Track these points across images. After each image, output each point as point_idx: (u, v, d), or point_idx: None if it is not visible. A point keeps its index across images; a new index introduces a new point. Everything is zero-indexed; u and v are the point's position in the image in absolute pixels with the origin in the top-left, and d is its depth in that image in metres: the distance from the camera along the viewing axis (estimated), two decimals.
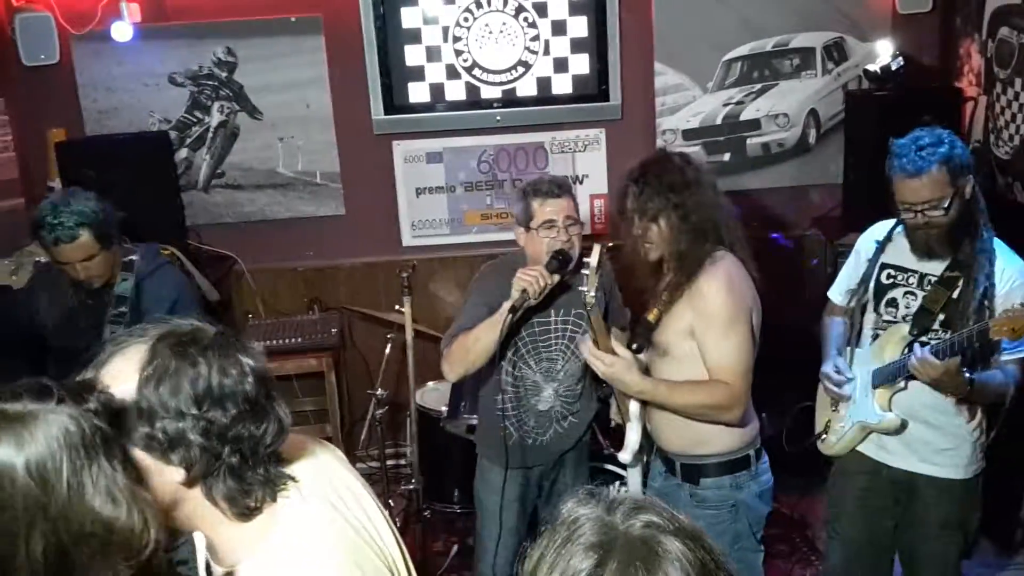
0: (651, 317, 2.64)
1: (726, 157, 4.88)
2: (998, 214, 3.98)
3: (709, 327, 2.56)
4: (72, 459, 1.17)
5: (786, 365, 3.68)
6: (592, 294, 2.50)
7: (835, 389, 2.89)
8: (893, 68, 4.32)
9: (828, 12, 4.74)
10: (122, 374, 1.32)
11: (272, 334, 4.50)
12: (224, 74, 4.69)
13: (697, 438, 2.66)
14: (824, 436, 2.98)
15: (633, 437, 2.77)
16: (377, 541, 1.52)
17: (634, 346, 2.63)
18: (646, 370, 2.67)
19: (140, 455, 1.31)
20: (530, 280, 2.87)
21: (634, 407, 2.75)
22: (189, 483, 1.34)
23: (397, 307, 4.10)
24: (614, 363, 2.55)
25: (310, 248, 4.91)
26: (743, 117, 4.84)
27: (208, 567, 1.50)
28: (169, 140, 4.63)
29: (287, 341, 4.48)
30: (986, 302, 2.57)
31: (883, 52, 4.46)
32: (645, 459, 2.92)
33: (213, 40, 4.65)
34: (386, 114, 4.71)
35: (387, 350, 4.42)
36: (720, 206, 2.67)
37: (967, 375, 2.54)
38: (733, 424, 2.62)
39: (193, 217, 4.76)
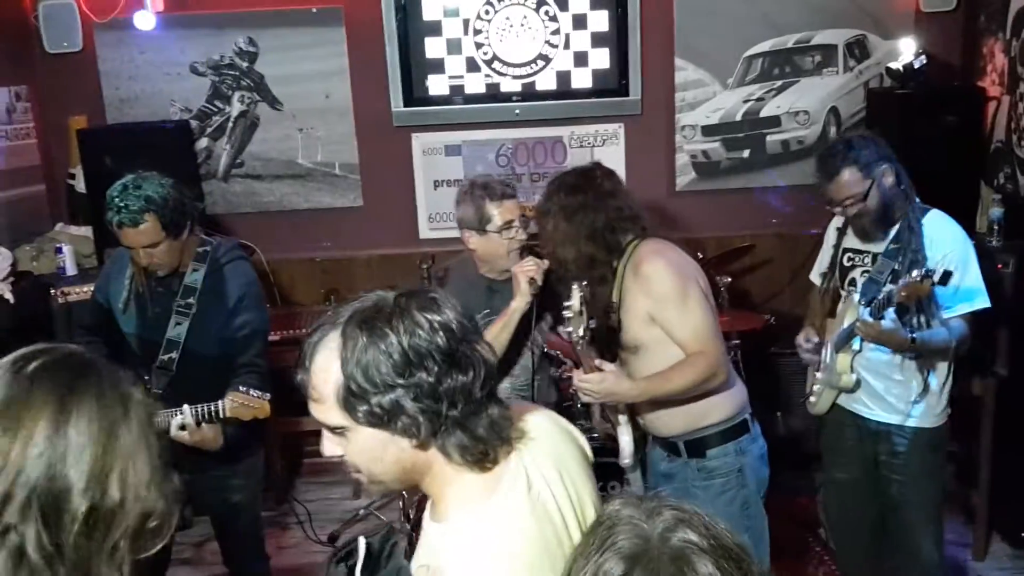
0: (612, 322, 2.73)
1: (745, 154, 4.87)
2: (1022, 214, 3.95)
3: (666, 306, 2.62)
4: (142, 438, 1.27)
5: (799, 363, 3.68)
6: (580, 334, 2.51)
7: (807, 356, 3.21)
8: (916, 66, 4.29)
9: (851, 9, 4.72)
10: (327, 364, 1.38)
11: (288, 324, 4.52)
12: (245, 64, 4.72)
13: (696, 414, 2.72)
14: (810, 398, 3.26)
15: (626, 439, 2.85)
16: (569, 527, 1.52)
17: (608, 356, 2.70)
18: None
19: (370, 432, 1.38)
20: (534, 269, 2.95)
21: (622, 416, 2.83)
22: (421, 445, 1.39)
23: None
24: (604, 379, 2.61)
25: (328, 239, 4.93)
26: (763, 114, 4.82)
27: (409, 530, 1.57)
28: (190, 129, 4.67)
29: (304, 331, 4.49)
30: (942, 268, 2.75)
31: (906, 50, 4.43)
32: (641, 455, 2.96)
33: (235, 30, 4.68)
34: (405, 106, 4.72)
35: None
36: (612, 203, 2.72)
37: (908, 333, 2.79)
38: (722, 388, 2.70)
39: (212, 206, 4.79)
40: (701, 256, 2.93)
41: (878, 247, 3.00)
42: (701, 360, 2.61)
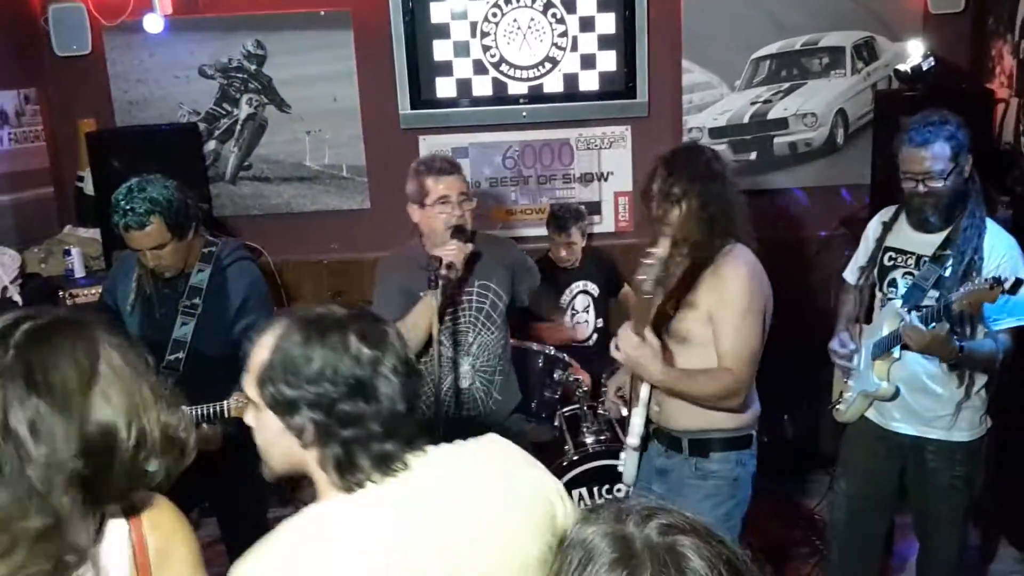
0: (669, 308, 2.71)
1: (752, 156, 4.86)
2: None
3: (726, 313, 2.65)
4: (116, 375, 1.44)
5: (806, 367, 3.67)
6: (649, 283, 2.57)
7: (841, 363, 3.12)
8: (924, 68, 4.28)
9: (858, 11, 4.70)
10: (265, 343, 1.55)
11: None
12: (253, 67, 4.73)
13: (708, 416, 2.73)
14: (837, 406, 3.19)
15: (638, 421, 2.85)
16: None
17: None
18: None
19: (272, 417, 1.54)
20: (454, 251, 2.98)
21: (644, 392, 2.81)
22: (304, 446, 1.52)
23: None
24: (641, 346, 2.61)
25: (335, 241, 4.93)
26: (771, 116, 4.82)
27: None
28: (198, 132, 4.67)
29: None
30: (973, 275, 2.73)
31: (914, 52, 4.42)
32: (644, 448, 2.95)
33: (243, 33, 4.69)
34: (413, 109, 4.73)
35: None
36: (737, 202, 2.77)
37: (956, 342, 2.72)
38: (734, 409, 2.72)
39: (220, 209, 4.80)
40: None
41: (924, 248, 2.93)
42: (727, 378, 2.65)
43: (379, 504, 1.49)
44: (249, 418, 1.61)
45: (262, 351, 1.54)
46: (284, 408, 1.51)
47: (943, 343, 2.70)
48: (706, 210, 2.67)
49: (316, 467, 1.53)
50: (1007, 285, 2.51)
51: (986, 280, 2.55)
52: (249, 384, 1.56)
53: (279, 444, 1.55)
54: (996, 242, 2.85)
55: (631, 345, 2.62)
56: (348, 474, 1.50)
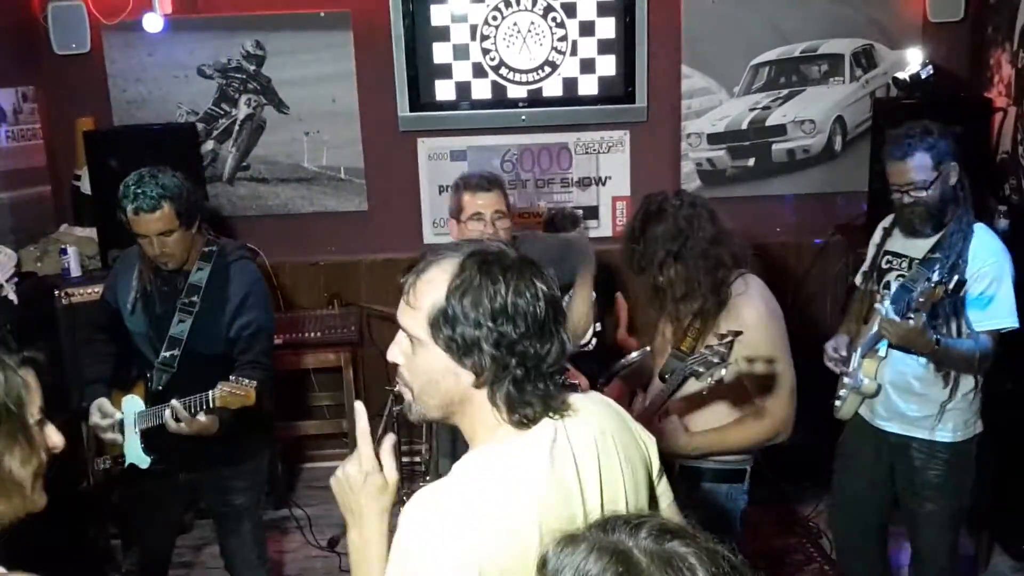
0: (684, 347, 2.64)
1: (751, 162, 4.86)
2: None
3: (755, 357, 2.57)
4: None
5: (802, 372, 3.66)
6: (710, 382, 2.40)
7: (830, 364, 3.12)
8: (922, 76, 4.29)
9: (858, 19, 4.71)
10: (436, 281, 1.50)
11: (291, 328, 4.52)
12: (252, 67, 4.72)
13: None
14: (835, 402, 3.18)
15: None
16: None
17: (666, 376, 2.61)
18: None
19: (441, 355, 1.51)
20: None
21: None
22: (478, 385, 1.52)
23: None
24: (665, 426, 2.51)
25: (332, 243, 4.93)
26: (769, 122, 4.82)
27: None
28: (196, 132, 4.67)
29: (306, 335, 4.50)
30: (955, 276, 2.74)
31: (913, 60, 4.43)
32: None
33: (242, 33, 4.68)
34: (411, 111, 4.72)
35: None
36: (719, 234, 2.65)
37: (933, 336, 2.74)
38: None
39: (217, 209, 4.79)
40: None
41: (917, 253, 2.97)
42: (767, 423, 2.62)
43: (540, 441, 1.53)
44: (395, 355, 1.58)
45: (432, 287, 1.51)
46: (463, 347, 1.49)
47: (919, 334, 2.72)
48: (694, 263, 2.61)
49: (485, 404, 1.53)
50: (950, 286, 2.60)
51: (935, 280, 2.63)
52: (414, 320, 1.52)
53: (443, 383, 1.53)
54: (981, 248, 2.88)
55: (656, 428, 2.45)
56: (519, 408, 1.52)
